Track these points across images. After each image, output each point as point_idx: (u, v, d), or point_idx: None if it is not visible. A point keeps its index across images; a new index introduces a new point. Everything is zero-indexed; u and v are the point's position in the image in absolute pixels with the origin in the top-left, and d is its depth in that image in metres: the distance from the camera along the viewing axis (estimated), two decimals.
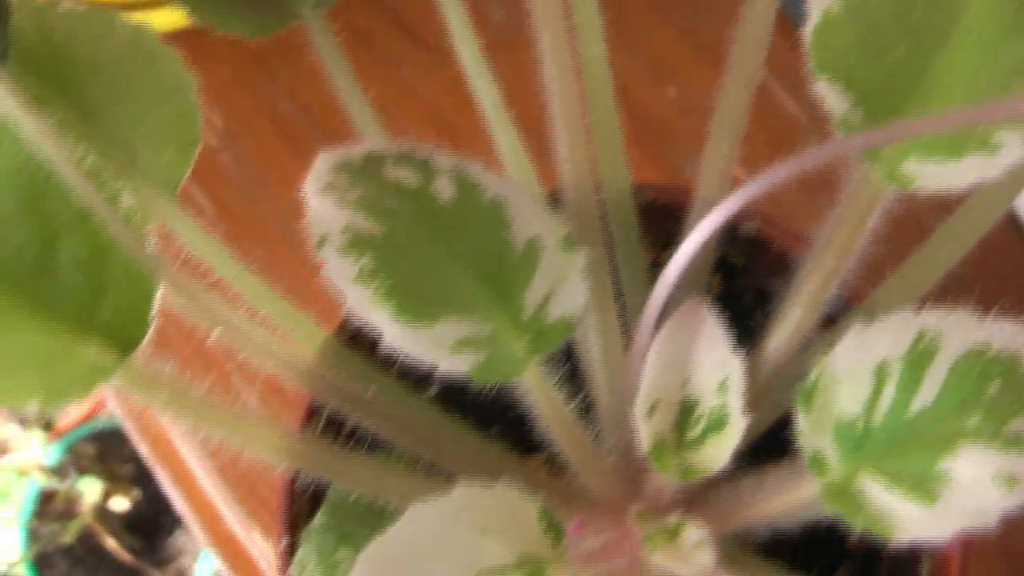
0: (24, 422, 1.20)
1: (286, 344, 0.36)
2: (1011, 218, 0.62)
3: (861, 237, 0.34)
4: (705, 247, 0.39)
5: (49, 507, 1.17)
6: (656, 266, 0.40)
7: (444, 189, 0.35)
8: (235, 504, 0.64)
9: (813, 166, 0.30)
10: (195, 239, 0.38)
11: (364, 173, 0.35)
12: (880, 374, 0.32)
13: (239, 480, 0.64)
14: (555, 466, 0.38)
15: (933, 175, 0.33)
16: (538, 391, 0.35)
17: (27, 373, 0.30)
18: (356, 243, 0.33)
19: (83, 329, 0.31)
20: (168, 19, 0.65)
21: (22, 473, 1.15)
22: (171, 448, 0.65)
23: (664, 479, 0.34)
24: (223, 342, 0.36)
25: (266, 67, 0.71)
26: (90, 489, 1.15)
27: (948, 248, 0.37)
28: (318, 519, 0.36)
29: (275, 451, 0.34)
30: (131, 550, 1.15)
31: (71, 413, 1.19)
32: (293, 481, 0.39)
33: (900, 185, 0.33)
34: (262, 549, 0.64)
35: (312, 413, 0.39)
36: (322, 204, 0.34)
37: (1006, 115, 0.28)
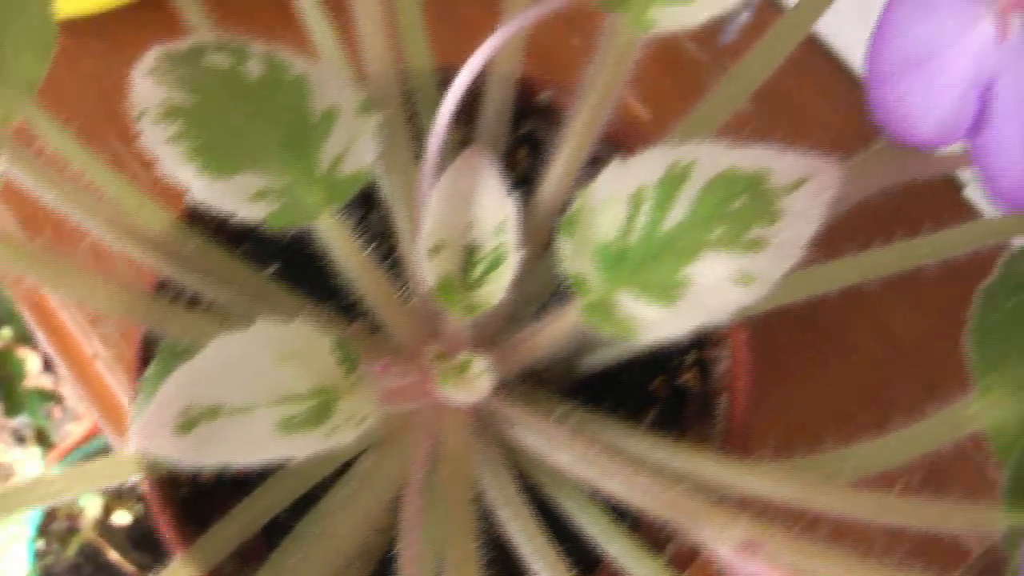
0: (22, 439, 1.26)
1: (132, 221, 0.41)
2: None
3: (620, 81, 0.38)
4: (498, 110, 0.43)
5: (52, 525, 1.22)
6: (462, 142, 0.44)
7: (253, 68, 0.39)
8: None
9: (558, 10, 0.34)
10: (51, 133, 0.42)
11: (185, 59, 0.39)
12: (636, 199, 0.36)
13: None
14: (373, 325, 0.42)
15: (673, 16, 0.37)
16: (335, 238, 0.38)
17: None
18: (169, 113, 0.37)
19: None
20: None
21: None
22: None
23: (456, 320, 0.38)
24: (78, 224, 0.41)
25: None
26: (91, 505, 1.19)
27: (748, 74, 0.41)
28: (151, 367, 0.41)
29: (111, 303, 0.39)
30: (136, 564, 1.19)
31: (72, 434, 1.25)
32: (146, 335, 0.43)
33: (645, 28, 0.37)
34: None
35: (160, 283, 0.43)
36: (144, 84, 0.38)
37: None
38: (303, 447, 0.32)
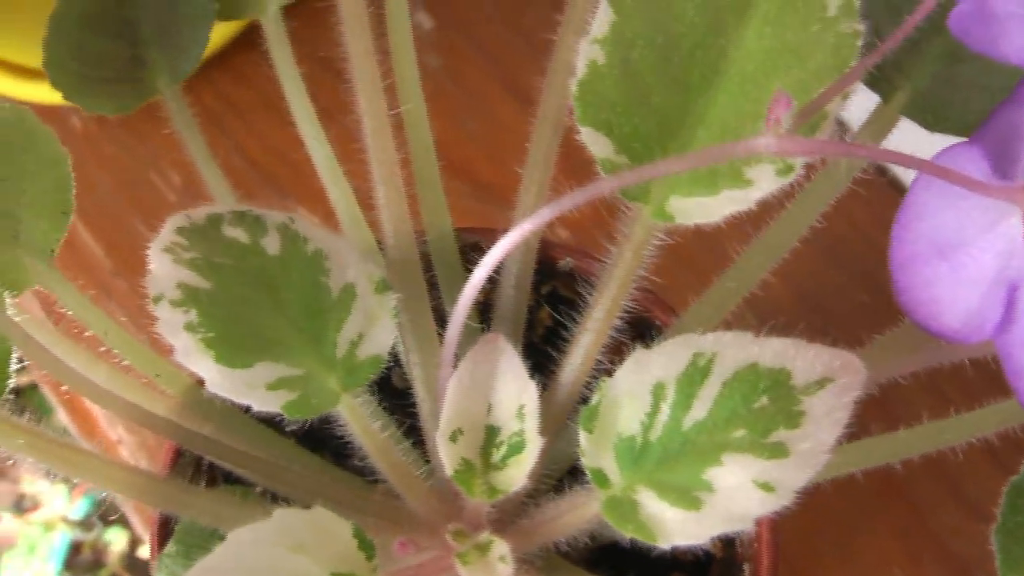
0: (49, 473, 1.27)
1: (146, 395, 0.41)
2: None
3: (638, 268, 0.38)
4: (519, 284, 0.43)
5: (78, 558, 1.23)
6: (484, 304, 0.45)
7: (272, 244, 0.39)
8: None
9: (576, 207, 0.34)
10: (68, 299, 0.43)
11: (203, 233, 0.39)
12: (657, 394, 0.36)
13: None
14: (393, 494, 0.43)
15: (694, 210, 0.36)
16: (354, 422, 0.38)
17: None
18: (185, 299, 0.38)
19: None
20: None
21: (49, 527, 1.22)
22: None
23: (475, 500, 0.38)
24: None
25: (219, 126, 0.77)
26: (117, 539, 1.20)
27: (746, 274, 0.41)
28: (170, 546, 0.41)
29: (127, 489, 0.39)
30: None
31: None
32: (161, 523, 0.44)
33: (665, 220, 0.36)
34: None
35: (177, 452, 0.43)
36: (160, 263, 0.38)
37: (745, 152, 0.32)
38: None
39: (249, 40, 0.73)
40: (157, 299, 0.37)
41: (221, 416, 0.42)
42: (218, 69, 0.75)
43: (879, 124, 0.41)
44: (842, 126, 0.63)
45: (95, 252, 0.72)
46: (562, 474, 0.41)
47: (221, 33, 0.73)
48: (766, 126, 0.30)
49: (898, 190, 0.67)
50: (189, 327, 0.36)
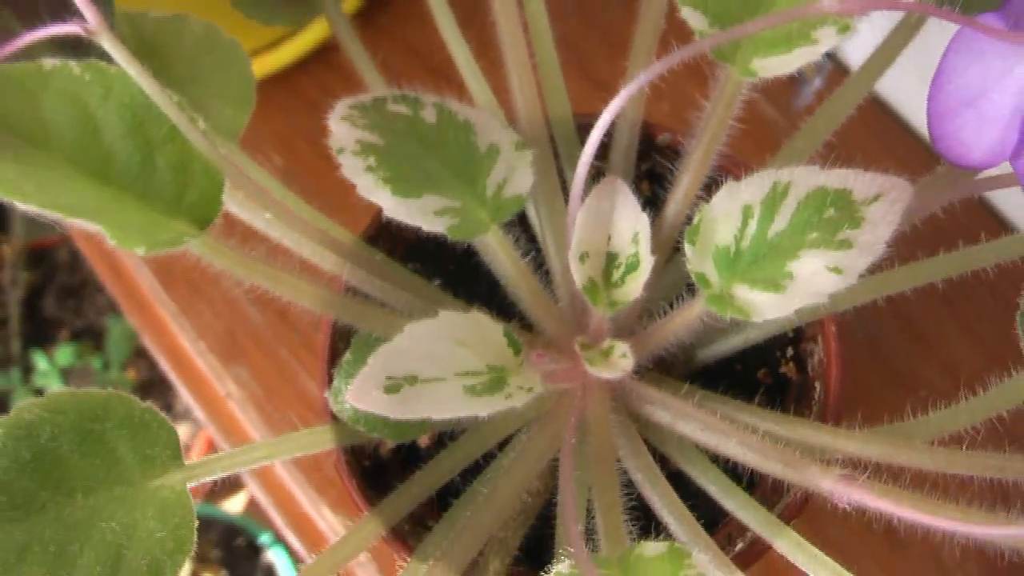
0: None
1: (322, 240, 0.51)
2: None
3: (729, 119, 0.48)
4: (627, 148, 0.54)
5: None
6: (597, 172, 0.55)
7: (429, 115, 0.49)
8: (306, 485, 0.78)
9: (679, 63, 0.44)
10: (252, 171, 0.53)
11: (372, 108, 0.50)
12: (746, 212, 0.45)
13: (310, 465, 0.79)
14: (525, 324, 0.53)
15: (773, 65, 0.46)
16: (500, 249, 0.48)
17: (136, 235, 0.44)
18: (364, 150, 0.48)
19: (173, 211, 0.45)
20: None
21: None
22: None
23: (598, 314, 0.48)
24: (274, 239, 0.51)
25: (321, 116, 0.88)
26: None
27: (822, 125, 0.52)
28: (347, 355, 0.50)
29: (315, 301, 0.49)
30: None
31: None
32: (334, 328, 0.54)
33: (750, 75, 0.47)
34: (331, 523, 0.78)
35: (346, 288, 0.53)
36: (340, 127, 0.48)
37: (814, 12, 0.42)
38: (486, 407, 0.41)
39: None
40: (340, 151, 0.47)
41: (382, 262, 0.52)
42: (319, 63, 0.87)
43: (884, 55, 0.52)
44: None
45: None
46: (670, 301, 0.51)
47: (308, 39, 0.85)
48: None
49: None
50: (369, 169, 0.47)
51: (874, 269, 0.45)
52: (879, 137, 0.76)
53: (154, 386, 1.41)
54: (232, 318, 0.83)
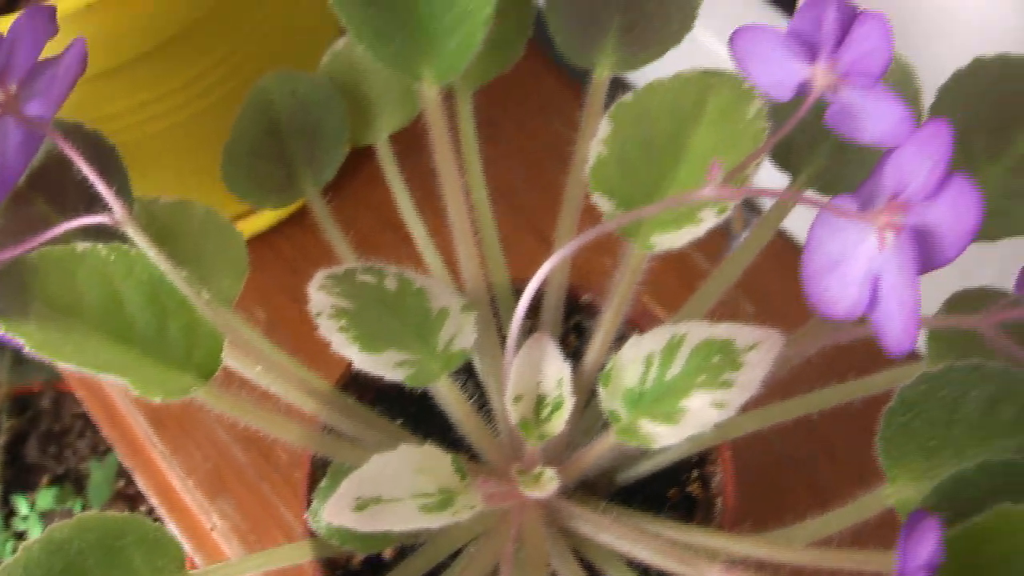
0: None
1: (303, 387, 0.62)
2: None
3: (634, 285, 0.60)
4: (555, 308, 0.66)
5: None
6: (531, 326, 0.67)
7: (391, 284, 0.61)
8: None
9: (591, 241, 0.57)
10: (246, 331, 0.65)
11: (344, 278, 0.62)
12: (648, 360, 0.56)
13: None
14: (473, 455, 0.64)
15: (667, 241, 0.58)
16: (449, 394, 0.59)
17: (155, 387, 0.55)
18: (337, 313, 0.59)
19: (183, 366, 0.56)
20: None
21: None
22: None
23: (531, 446, 0.59)
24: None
25: (298, 273, 1.01)
26: None
27: (718, 284, 0.64)
28: (324, 482, 0.61)
29: (299, 438, 0.60)
30: None
31: None
32: (313, 461, 0.65)
33: (648, 249, 0.59)
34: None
35: (324, 428, 0.64)
36: (318, 295, 0.59)
37: (696, 199, 0.54)
38: (436, 522, 0.51)
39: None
40: (318, 315, 0.58)
41: (354, 406, 0.64)
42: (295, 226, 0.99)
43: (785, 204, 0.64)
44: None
45: None
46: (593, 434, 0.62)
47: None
48: (707, 182, 0.53)
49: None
50: (342, 329, 0.58)
51: (760, 403, 0.56)
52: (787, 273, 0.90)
53: None
54: (219, 458, 0.94)
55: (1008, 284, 0.60)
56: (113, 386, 1.01)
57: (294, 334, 0.94)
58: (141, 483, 0.97)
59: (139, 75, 0.76)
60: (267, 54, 0.79)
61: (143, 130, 0.81)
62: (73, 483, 1.62)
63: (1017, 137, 0.63)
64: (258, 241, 0.97)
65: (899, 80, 0.65)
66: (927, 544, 0.46)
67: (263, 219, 0.97)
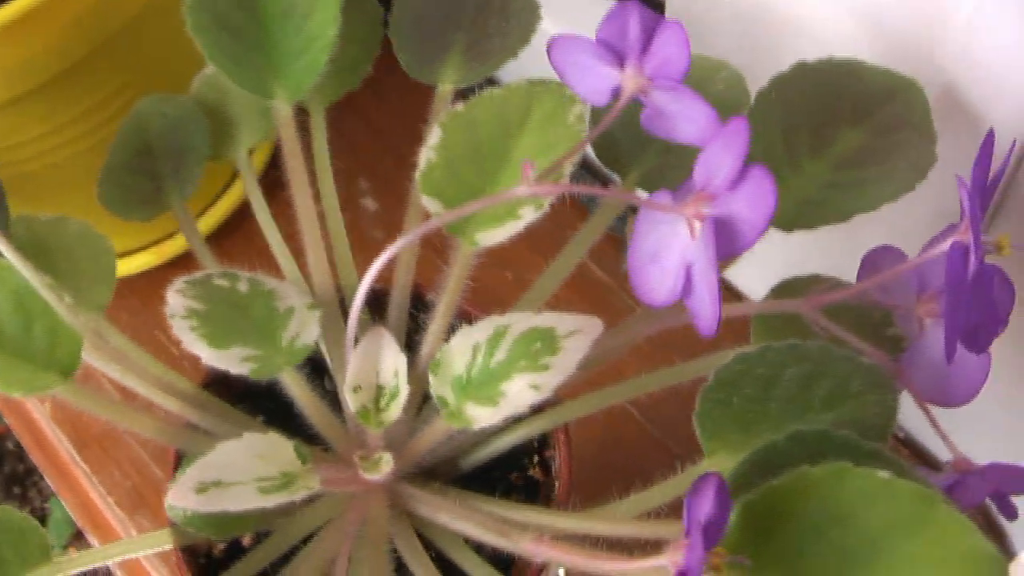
0: None
1: (166, 387, 0.67)
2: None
3: (464, 280, 0.65)
4: (400, 306, 0.70)
5: None
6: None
7: (243, 286, 0.65)
8: None
9: (419, 239, 0.61)
10: (113, 338, 0.69)
11: (200, 283, 0.66)
12: (475, 349, 0.60)
13: None
14: (327, 448, 0.68)
15: (490, 237, 0.63)
16: (294, 384, 0.64)
17: (17, 384, 0.60)
18: (189, 314, 0.64)
19: (46, 365, 0.61)
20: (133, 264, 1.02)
21: None
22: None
23: (372, 432, 0.63)
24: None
25: None
26: None
27: (551, 280, 0.68)
28: (180, 469, 0.65)
29: (157, 432, 0.65)
30: None
31: None
32: (177, 456, 0.69)
33: (474, 245, 0.63)
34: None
35: (187, 425, 0.69)
36: (173, 298, 0.64)
37: (512, 196, 0.59)
38: (274, 501, 0.55)
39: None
40: (172, 316, 0.63)
41: (214, 404, 0.68)
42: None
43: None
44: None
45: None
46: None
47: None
48: (522, 182, 0.58)
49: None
50: (192, 328, 0.62)
51: (595, 388, 0.61)
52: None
53: None
54: (137, 476, 0.99)
55: (838, 273, 0.65)
56: (40, 412, 1.06)
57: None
58: (66, 503, 1.02)
59: (35, 108, 0.82)
60: (160, 86, 0.84)
61: (41, 162, 0.86)
62: (39, 522, 1.67)
63: (838, 136, 0.67)
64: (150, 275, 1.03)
65: (729, 86, 0.70)
66: (708, 497, 0.50)
67: (161, 252, 1.03)
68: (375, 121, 1.10)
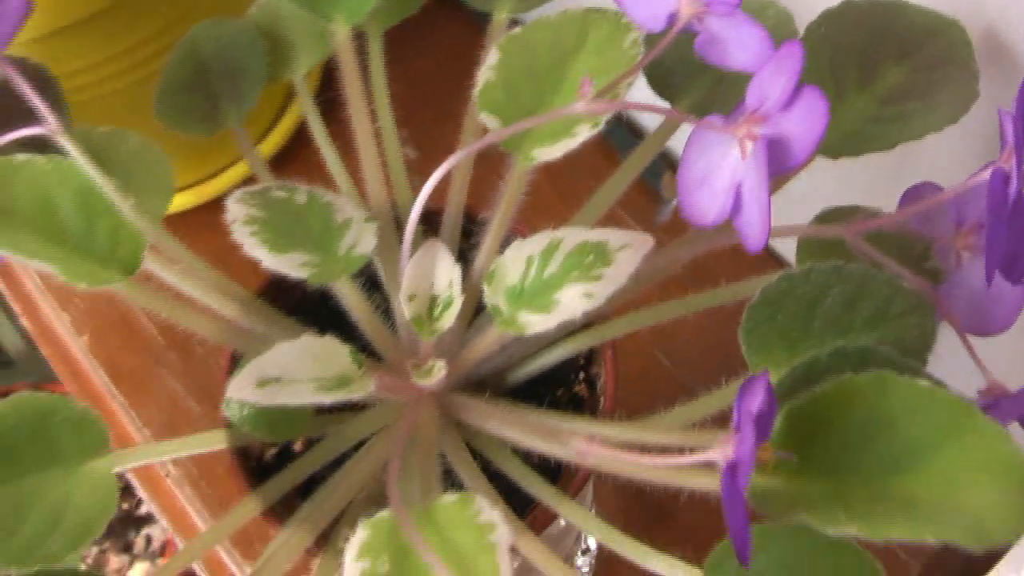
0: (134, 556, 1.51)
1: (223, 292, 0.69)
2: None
3: (518, 197, 0.67)
4: (453, 226, 0.72)
5: None
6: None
7: (300, 198, 0.67)
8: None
9: (490, 167, 0.63)
10: (170, 246, 0.72)
11: (259, 193, 0.69)
12: (528, 261, 0.62)
13: None
14: (377, 359, 0.70)
15: (546, 153, 0.65)
16: (350, 293, 0.66)
17: (80, 276, 0.61)
18: (250, 220, 0.66)
19: (107, 264, 0.62)
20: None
21: None
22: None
23: (424, 341, 0.65)
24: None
25: None
26: None
27: (604, 199, 0.71)
28: (238, 370, 0.67)
29: (213, 331, 0.67)
30: None
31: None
32: (232, 358, 0.71)
33: (530, 161, 0.66)
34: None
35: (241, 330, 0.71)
36: (234, 206, 0.66)
37: (569, 112, 0.61)
38: (331, 398, 0.57)
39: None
40: (233, 222, 0.65)
41: (269, 311, 0.70)
42: None
43: (669, 125, 0.71)
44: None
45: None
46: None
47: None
48: (580, 99, 0.60)
49: None
50: (253, 234, 0.64)
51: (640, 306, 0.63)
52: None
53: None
54: (173, 409, 1.01)
55: (876, 204, 0.67)
56: (78, 346, 1.08)
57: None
58: None
59: (91, 35, 0.84)
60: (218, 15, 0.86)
61: (98, 90, 0.88)
62: None
63: (883, 71, 0.69)
64: (213, 206, 1.05)
65: (776, 24, 0.72)
66: (756, 396, 0.52)
67: (219, 183, 1.05)
68: (414, 74, 1.13)
